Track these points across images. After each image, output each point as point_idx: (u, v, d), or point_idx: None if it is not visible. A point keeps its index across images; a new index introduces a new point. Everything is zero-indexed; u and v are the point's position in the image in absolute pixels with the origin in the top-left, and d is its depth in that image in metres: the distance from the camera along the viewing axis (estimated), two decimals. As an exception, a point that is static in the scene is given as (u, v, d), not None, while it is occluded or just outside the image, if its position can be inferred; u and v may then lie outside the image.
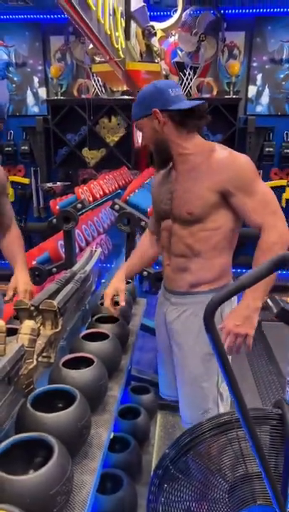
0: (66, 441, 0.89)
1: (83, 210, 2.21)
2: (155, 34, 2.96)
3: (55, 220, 2.04)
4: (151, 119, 1.42)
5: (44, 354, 1.23)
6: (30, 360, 1.05)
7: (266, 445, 1.14)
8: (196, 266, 1.48)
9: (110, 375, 1.33)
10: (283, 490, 1.09)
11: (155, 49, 3.00)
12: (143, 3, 2.92)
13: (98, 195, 2.39)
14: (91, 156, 4.74)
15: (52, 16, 4.54)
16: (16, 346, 0.98)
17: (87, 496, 0.90)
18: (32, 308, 1.26)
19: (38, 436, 0.86)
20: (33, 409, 0.93)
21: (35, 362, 1.06)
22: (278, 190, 4.55)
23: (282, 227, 1.36)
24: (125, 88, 3.83)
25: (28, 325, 1.06)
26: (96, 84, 4.68)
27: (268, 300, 0.99)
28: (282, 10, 4.31)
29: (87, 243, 2.62)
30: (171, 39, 4.35)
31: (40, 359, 1.19)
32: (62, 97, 4.79)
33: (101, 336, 1.35)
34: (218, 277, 1.49)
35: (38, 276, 2.13)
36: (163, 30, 3.45)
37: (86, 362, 1.18)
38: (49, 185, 4.31)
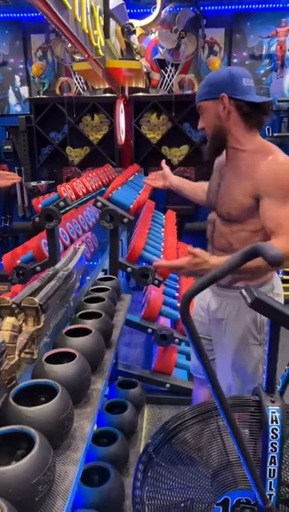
0: (49, 434, 0.92)
1: (66, 208, 2.22)
2: (134, 32, 2.97)
3: (37, 219, 2.04)
4: (216, 104, 1.40)
5: (27, 350, 1.24)
6: (12, 356, 1.06)
7: (246, 432, 1.18)
8: None
9: (94, 369, 1.36)
10: (262, 474, 1.13)
11: (135, 47, 3.01)
12: (122, 1, 2.92)
13: (81, 193, 2.40)
14: (75, 154, 4.74)
15: (32, 14, 4.51)
16: (-3, 342, 1.00)
17: (70, 485, 0.92)
18: (13, 305, 1.27)
19: (19, 428, 0.88)
20: (15, 403, 0.95)
21: (16, 357, 1.08)
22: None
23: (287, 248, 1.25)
24: (107, 86, 3.83)
25: (8, 322, 1.08)
26: (78, 83, 4.68)
27: (243, 290, 1.03)
28: (260, 6, 4.35)
29: (72, 241, 2.63)
30: (152, 36, 4.37)
31: (22, 355, 1.20)
32: (44, 96, 4.76)
33: (84, 332, 1.38)
34: (256, 276, 1.49)
35: (23, 275, 2.14)
36: (142, 27, 3.45)
37: (69, 357, 1.21)
38: (33, 184, 4.30)
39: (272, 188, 1.33)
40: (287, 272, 3.72)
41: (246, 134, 1.44)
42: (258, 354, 1.56)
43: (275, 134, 4.46)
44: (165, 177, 1.84)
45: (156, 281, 2.24)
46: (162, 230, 3.24)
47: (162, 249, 2.67)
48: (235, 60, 4.57)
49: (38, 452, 0.82)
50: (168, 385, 2.36)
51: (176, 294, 2.85)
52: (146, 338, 3.13)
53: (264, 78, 4.59)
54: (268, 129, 4.56)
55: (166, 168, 1.87)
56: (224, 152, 1.56)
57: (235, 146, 1.45)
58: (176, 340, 2.34)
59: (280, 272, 3.59)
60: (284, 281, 3.71)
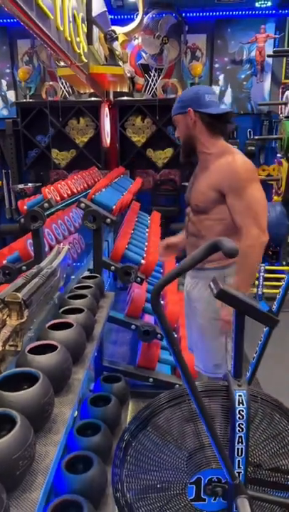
0: (31, 417, 1.00)
1: (51, 210, 2.29)
2: (116, 38, 3.06)
3: (23, 220, 2.11)
4: (185, 117, 1.67)
5: (11, 343, 1.32)
6: (-4, 347, 1.14)
7: (218, 415, 1.26)
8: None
9: (76, 361, 1.43)
10: (230, 453, 1.21)
11: (117, 53, 3.10)
12: (104, 9, 3.01)
13: (66, 195, 2.47)
14: (61, 157, 4.81)
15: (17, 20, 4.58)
16: (-19, 333, 1.07)
17: (50, 463, 1.00)
18: (-2, 301, 1.34)
19: (1, 411, 0.96)
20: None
21: (0, 348, 1.15)
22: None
23: (256, 232, 1.56)
24: (92, 90, 3.92)
25: (-8, 314, 1.15)
26: (63, 87, 4.75)
27: (210, 282, 1.12)
28: (240, 13, 4.48)
29: (58, 242, 2.70)
30: (135, 42, 4.47)
31: (7, 347, 1.28)
32: (31, 100, 4.83)
33: (66, 326, 1.46)
34: (223, 257, 1.66)
35: (9, 274, 2.20)
36: (125, 34, 3.55)
37: (51, 349, 1.28)
38: (20, 186, 4.36)
39: (231, 186, 1.59)
40: (268, 270, 3.84)
41: (211, 140, 1.69)
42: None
43: (256, 137, 4.59)
44: (172, 247, 2.08)
45: (139, 279, 2.33)
46: (147, 230, 3.32)
47: (145, 249, 2.76)
48: (216, 65, 4.70)
49: (19, 430, 0.90)
50: (151, 380, 2.44)
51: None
52: (132, 336, 3.21)
53: (245, 82, 4.73)
54: (250, 132, 4.69)
55: (165, 243, 2.11)
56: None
57: (203, 150, 1.71)
58: (159, 335, 2.42)
59: (262, 271, 3.70)
60: (266, 279, 3.83)
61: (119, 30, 3.34)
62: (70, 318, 1.53)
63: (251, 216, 1.56)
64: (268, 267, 3.87)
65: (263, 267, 3.74)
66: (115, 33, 3.02)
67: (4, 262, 2.29)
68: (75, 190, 2.73)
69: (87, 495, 1.53)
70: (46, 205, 2.17)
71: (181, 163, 1.87)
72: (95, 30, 3.08)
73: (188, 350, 2.02)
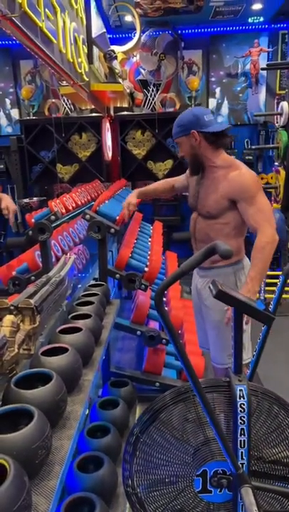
0: (46, 411, 1.08)
1: (58, 222, 2.40)
2: (116, 57, 3.20)
3: (31, 232, 2.21)
4: (189, 138, 1.85)
5: (24, 347, 1.40)
6: (12, 349, 1.23)
7: (222, 410, 1.33)
8: None
9: (85, 363, 1.52)
10: (234, 445, 1.29)
11: (117, 71, 3.23)
12: (103, 30, 3.16)
13: (71, 207, 2.58)
14: (65, 171, 4.94)
15: (20, 41, 4.76)
16: (-1, 336, 1.16)
17: (65, 455, 1.08)
18: (12, 307, 1.44)
19: (20, 406, 1.05)
20: (17, 388, 1.12)
21: (16, 350, 1.24)
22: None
23: (271, 231, 1.78)
24: (93, 106, 4.06)
25: (8, 319, 1.24)
26: (65, 104, 4.91)
27: (210, 284, 1.20)
28: (234, 28, 4.64)
29: (64, 253, 2.80)
30: (134, 59, 4.63)
31: (21, 351, 1.36)
32: (34, 117, 4.99)
33: (76, 330, 1.54)
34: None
35: (18, 285, 2.29)
36: (124, 52, 3.70)
37: (62, 351, 1.37)
38: (26, 201, 4.47)
39: (243, 195, 1.81)
40: (269, 275, 3.91)
41: (215, 154, 1.89)
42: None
43: (254, 147, 4.71)
44: (131, 204, 2.35)
45: (143, 286, 2.42)
46: (149, 239, 3.42)
47: (148, 257, 2.85)
48: (213, 79, 4.84)
49: (37, 422, 0.98)
50: (157, 384, 2.51)
51: (164, 299, 3.01)
52: (137, 343, 3.28)
53: (241, 95, 4.86)
54: (247, 141, 4.81)
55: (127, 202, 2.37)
56: None
57: (209, 164, 1.91)
58: (164, 341, 2.49)
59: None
60: (267, 284, 3.90)
61: (118, 49, 3.48)
62: (79, 323, 1.62)
63: (264, 218, 1.78)
64: (269, 273, 3.95)
65: (264, 273, 3.81)
66: (114, 53, 3.16)
67: (14, 273, 2.38)
68: (79, 203, 2.83)
69: (98, 493, 1.59)
70: (53, 217, 2.27)
71: (192, 175, 2.02)
72: (95, 50, 3.22)
73: (199, 349, 2.21)
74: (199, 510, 1.35)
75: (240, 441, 1.27)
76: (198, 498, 1.34)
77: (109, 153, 4.56)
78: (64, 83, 2.88)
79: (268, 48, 4.72)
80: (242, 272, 1.96)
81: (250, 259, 1.90)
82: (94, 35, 3.04)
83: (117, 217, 2.45)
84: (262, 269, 1.79)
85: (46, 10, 1.93)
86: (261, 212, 1.80)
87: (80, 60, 2.75)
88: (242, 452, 1.28)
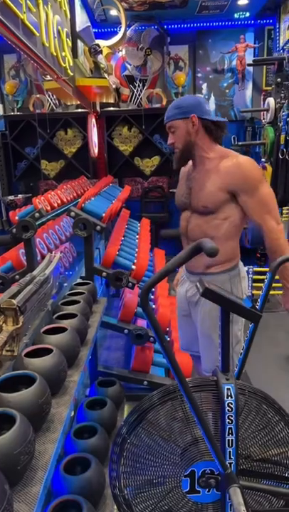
0: (29, 415, 1.05)
1: (43, 219, 2.35)
2: (101, 52, 3.15)
3: (14, 230, 2.16)
4: (186, 122, 1.68)
5: (7, 348, 1.36)
6: (-6, 351, 1.19)
7: (209, 409, 1.32)
8: None
9: (71, 364, 1.49)
10: (222, 445, 1.27)
11: (102, 66, 3.18)
12: (88, 23, 3.11)
13: (56, 204, 2.53)
14: (50, 167, 4.88)
15: (3, 35, 4.67)
16: (-20, 338, 1.12)
17: (49, 460, 1.05)
18: (-6, 308, 1.39)
19: (2, 410, 1.01)
20: (-2, 392, 1.08)
21: (-2, 352, 1.20)
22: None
23: (274, 224, 1.68)
24: (78, 102, 4.00)
25: (-11, 320, 1.20)
26: (50, 99, 4.84)
27: (197, 283, 1.18)
28: (220, 24, 4.62)
29: (50, 251, 2.75)
30: (120, 53, 4.58)
31: (4, 352, 1.32)
32: (18, 113, 4.90)
33: (61, 330, 1.51)
34: (228, 259, 1.78)
35: (2, 284, 2.24)
36: (109, 47, 3.65)
37: (46, 352, 1.33)
38: (11, 198, 4.40)
39: (245, 186, 1.65)
40: (257, 271, 3.92)
41: (210, 145, 1.74)
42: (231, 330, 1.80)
43: (240, 143, 4.71)
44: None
45: (130, 283, 2.39)
46: (137, 236, 3.39)
47: (136, 255, 2.82)
48: (199, 75, 4.82)
49: (19, 427, 0.95)
50: (146, 383, 2.49)
51: (152, 296, 3.00)
52: (125, 342, 3.26)
53: (227, 91, 4.85)
54: (234, 138, 4.81)
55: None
56: (189, 163, 1.84)
57: (202, 154, 1.73)
58: (152, 339, 2.48)
59: (250, 272, 3.78)
60: (255, 280, 3.91)
61: (103, 43, 3.43)
62: (64, 323, 1.59)
63: (267, 211, 1.67)
64: (256, 269, 3.96)
65: (251, 269, 3.83)
66: (99, 47, 3.11)
67: (-3, 272, 2.33)
68: (65, 200, 2.79)
69: (86, 495, 1.57)
70: (37, 214, 2.22)
71: (175, 168, 1.86)
72: (80, 44, 3.16)
73: (180, 351, 2.09)
74: (187, 511, 1.33)
75: (228, 440, 1.26)
76: (186, 498, 1.33)
77: (95, 150, 4.51)
78: (48, 78, 2.82)
79: (254, 43, 4.72)
80: (237, 278, 1.81)
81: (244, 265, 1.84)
82: (78, 28, 2.99)
83: (104, 214, 2.42)
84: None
85: (28, 1, 1.88)
86: (263, 204, 1.66)
87: (64, 54, 2.70)
88: (230, 451, 1.26)
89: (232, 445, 1.26)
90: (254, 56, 4.69)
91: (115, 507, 1.55)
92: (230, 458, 1.27)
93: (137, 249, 2.97)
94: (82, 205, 2.40)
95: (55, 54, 2.44)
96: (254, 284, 3.83)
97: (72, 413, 1.40)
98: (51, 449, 1.08)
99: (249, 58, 4.68)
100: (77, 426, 1.92)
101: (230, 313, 1.24)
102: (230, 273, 1.79)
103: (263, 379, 2.53)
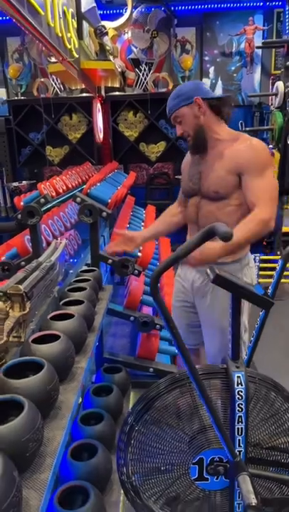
0: (37, 402, 1.03)
1: (48, 205, 2.32)
2: (106, 33, 3.08)
3: (20, 216, 2.13)
4: (191, 107, 1.63)
5: (14, 334, 1.35)
6: (1, 337, 1.17)
7: (218, 396, 1.30)
8: None
9: (78, 350, 1.47)
10: (231, 433, 1.26)
11: (108, 48, 3.11)
12: (93, 4, 3.02)
13: (61, 190, 2.50)
14: (55, 153, 4.82)
15: (7, 18, 4.56)
16: (-14, 324, 1.11)
17: (58, 446, 1.04)
18: (0, 293, 1.38)
19: (9, 397, 1.00)
20: (6, 378, 1.06)
21: (5, 338, 1.18)
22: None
23: (270, 214, 1.55)
24: (83, 86, 3.93)
25: (-4, 306, 1.18)
26: (55, 83, 4.76)
27: (207, 269, 1.16)
28: (228, 5, 4.50)
29: (55, 237, 2.73)
30: (125, 36, 4.47)
31: (11, 339, 1.31)
32: (22, 97, 4.83)
33: (68, 316, 1.49)
34: (239, 247, 1.66)
35: (8, 270, 2.22)
36: (115, 28, 3.56)
37: (54, 338, 1.32)
38: (15, 184, 4.37)
39: (251, 166, 1.58)
40: (263, 259, 3.89)
41: (219, 125, 1.69)
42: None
43: (248, 129, 4.62)
44: (130, 240, 1.96)
45: (136, 271, 2.36)
46: (142, 224, 3.36)
47: (142, 242, 2.79)
48: (206, 58, 4.72)
49: (27, 414, 0.93)
50: (151, 370, 2.49)
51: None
52: (131, 329, 3.25)
53: (235, 75, 4.75)
54: (241, 123, 4.72)
55: (129, 233, 2.03)
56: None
57: (214, 136, 1.68)
58: (158, 326, 2.46)
59: (257, 261, 3.75)
60: (261, 269, 3.88)
61: (109, 25, 3.35)
62: (71, 310, 1.57)
63: (267, 198, 1.56)
64: (263, 257, 3.93)
65: (258, 257, 3.79)
66: (105, 28, 3.03)
67: (3, 258, 2.31)
68: (70, 186, 2.75)
69: (92, 481, 1.57)
70: (42, 200, 2.19)
71: (195, 154, 1.77)
72: (85, 25, 3.09)
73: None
74: (195, 497, 1.33)
75: (238, 428, 1.25)
76: (194, 485, 1.32)
77: (100, 135, 4.45)
78: (53, 60, 2.76)
79: (263, 26, 4.60)
80: (247, 267, 1.76)
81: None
82: (84, 9, 2.91)
83: (109, 201, 2.38)
84: (244, 234, 1.52)
85: (33, -21, 1.82)
86: (266, 191, 1.57)
87: (69, 35, 2.64)
88: (239, 440, 1.26)
89: (241, 433, 1.25)
90: (263, 39, 4.57)
91: (122, 492, 1.55)
92: (239, 446, 1.26)
93: (142, 236, 2.93)
94: (88, 190, 2.36)
95: (60, 35, 2.38)
96: (260, 273, 3.80)
97: (80, 399, 1.40)
98: (59, 436, 1.07)
99: (258, 41, 4.57)
100: (84, 412, 1.91)
101: (241, 301, 1.22)
102: (241, 262, 1.74)
103: (270, 367, 2.51)
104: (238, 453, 1.25)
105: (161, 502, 1.34)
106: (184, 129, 1.69)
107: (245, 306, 1.77)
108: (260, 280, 3.83)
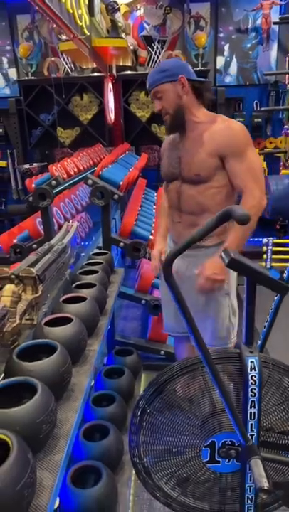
0: (51, 384, 1.04)
1: (59, 188, 2.30)
2: (118, 9, 2.98)
3: (31, 198, 2.13)
4: (175, 86, 1.60)
5: (27, 317, 1.35)
6: (14, 319, 1.17)
7: (231, 381, 1.29)
8: (205, 220, 1.64)
9: (90, 333, 1.47)
10: (244, 417, 1.25)
11: (120, 24, 3.02)
12: (105, -22, 2.93)
13: (72, 172, 2.47)
14: (66, 135, 4.77)
15: (16, -6, 4.47)
16: (-1, 306, 1.11)
17: (71, 428, 1.05)
18: (13, 276, 1.37)
19: (23, 379, 1.00)
20: (19, 360, 1.07)
21: (18, 321, 1.19)
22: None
23: (259, 194, 1.58)
24: (94, 65, 3.85)
25: (8, 288, 1.18)
26: (65, 63, 4.67)
27: (221, 253, 1.13)
28: (245, -22, 4.32)
29: (66, 220, 2.72)
30: (138, 13, 4.34)
31: (23, 321, 1.31)
32: (33, 77, 4.76)
33: (80, 299, 1.49)
34: (224, 231, 1.67)
35: (20, 252, 2.23)
36: (127, 4, 3.45)
37: (66, 321, 1.32)
38: (26, 166, 4.34)
39: (231, 148, 1.59)
40: (276, 243, 3.83)
41: (199, 109, 1.67)
42: (226, 303, 1.76)
43: (263, 108, 4.50)
44: (163, 252, 1.91)
45: (148, 254, 2.35)
46: (154, 206, 3.32)
47: (153, 225, 2.77)
48: (221, 35, 4.56)
49: (40, 396, 0.94)
50: (162, 352, 2.50)
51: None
52: (142, 312, 3.25)
53: (250, 52, 4.60)
54: (256, 103, 4.60)
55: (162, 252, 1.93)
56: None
57: (192, 119, 1.65)
58: (169, 310, 2.45)
59: (270, 244, 3.70)
60: (274, 252, 3.83)
61: (121, 0, 3.24)
62: (83, 293, 1.56)
63: (253, 179, 1.58)
64: (276, 241, 3.87)
65: (271, 241, 3.73)
66: (117, 4, 2.94)
67: (15, 240, 2.32)
68: (81, 168, 2.72)
69: (104, 461, 1.59)
70: (54, 182, 2.18)
71: (171, 133, 1.75)
72: (97, 1, 3.00)
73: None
74: (206, 479, 1.34)
75: (251, 413, 1.24)
76: (205, 467, 1.33)
77: (111, 116, 4.37)
78: (64, 37, 2.69)
79: (281, 0, 4.41)
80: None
81: None
82: (95, -16, 2.82)
83: (121, 183, 2.35)
84: (243, 236, 1.59)
85: None
86: (251, 170, 1.59)
87: (80, 11, 2.56)
88: (252, 424, 1.25)
89: (254, 418, 1.24)
90: (280, 14, 4.39)
91: (133, 472, 1.57)
92: (251, 430, 1.25)
93: (154, 220, 2.91)
94: (100, 172, 2.33)
95: (71, 11, 2.31)
96: (274, 256, 3.75)
97: (92, 382, 1.41)
98: (72, 418, 1.08)
99: (275, 17, 4.39)
100: (96, 394, 1.93)
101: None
102: (223, 245, 1.69)
103: (283, 351, 2.49)
104: (250, 437, 1.25)
105: (172, 483, 1.35)
106: (164, 105, 1.64)
107: (232, 285, 1.75)
108: (274, 264, 3.79)
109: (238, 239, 1.59)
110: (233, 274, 1.77)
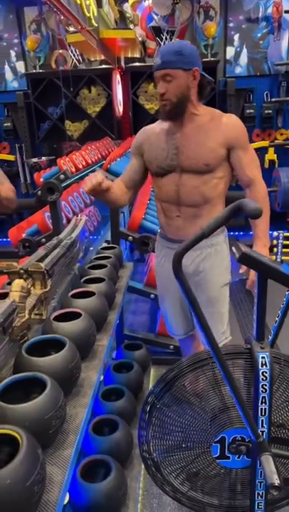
0: (60, 380, 1.03)
1: (68, 181, 2.29)
2: (127, 0, 2.94)
3: (40, 192, 2.12)
4: (187, 75, 1.54)
5: (36, 311, 1.35)
6: (23, 314, 1.17)
7: (241, 377, 1.28)
8: (207, 212, 1.68)
9: (99, 328, 1.47)
10: (254, 413, 1.24)
11: (128, 15, 2.98)
12: None
13: (81, 166, 2.46)
14: (74, 128, 4.75)
15: (23, -14, 4.44)
16: (8, 302, 1.10)
17: (80, 423, 1.04)
18: (22, 271, 1.37)
19: (32, 375, 1.00)
20: (28, 355, 1.06)
21: (27, 316, 1.18)
22: (260, 152, 4.60)
23: (263, 182, 1.68)
24: (102, 57, 3.81)
25: (17, 283, 1.18)
26: (73, 55, 4.63)
27: (233, 248, 1.11)
28: None
29: (75, 214, 2.71)
30: (146, 3, 4.29)
31: (32, 316, 1.31)
32: (40, 70, 4.74)
33: (89, 294, 1.48)
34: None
35: (29, 247, 2.23)
36: (135, -6, 3.41)
37: (75, 316, 1.31)
38: (34, 160, 4.33)
39: (240, 141, 1.63)
40: (287, 236, 3.78)
41: (198, 102, 1.65)
42: (227, 293, 1.81)
43: (274, 99, 4.43)
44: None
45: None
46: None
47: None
48: (231, 24, 4.49)
49: (50, 391, 0.93)
50: (172, 347, 2.49)
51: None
52: (151, 306, 3.25)
53: (261, 42, 4.52)
54: (266, 94, 4.53)
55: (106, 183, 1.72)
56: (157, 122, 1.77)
57: (193, 111, 1.62)
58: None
59: (280, 238, 3.65)
60: (285, 246, 3.78)
61: (129, -10, 3.20)
62: (92, 287, 1.56)
63: (257, 168, 1.67)
64: (286, 234, 3.82)
65: (281, 234, 3.69)
66: (125, -6, 2.89)
67: (23, 235, 2.32)
68: (89, 161, 2.71)
69: (114, 455, 1.60)
70: (62, 176, 2.16)
71: (167, 120, 1.64)
72: (104, -9, 2.96)
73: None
74: (215, 474, 1.33)
75: (261, 409, 1.22)
76: (215, 462, 1.32)
77: (120, 109, 4.34)
78: (71, 29, 2.67)
79: (292, -12, 4.32)
80: (227, 239, 1.77)
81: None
82: (102, -26, 2.78)
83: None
84: (268, 221, 1.68)
85: None
86: (255, 161, 1.68)
87: (88, 2, 2.53)
88: (262, 420, 1.23)
89: (265, 414, 1.23)
90: (292, 2, 4.31)
91: (143, 466, 1.57)
92: (262, 426, 1.24)
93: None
94: (108, 165, 2.31)
95: (78, 2, 2.29)
96: (284, 250, 3.70)
97: (102, 377, 1.41)
98: (82, 414, 1.08)
99: (286, 5, 4.30)
100: (105, 388, 1.94)
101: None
102: (224, 233, 1.77)
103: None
104: (261, 433, 1.23)
105: (182, 478, 1.35)
106: (170, 90, 1.54)
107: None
108: (284, 258, 3.74)
109: (266, 231, 1.66)
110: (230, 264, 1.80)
